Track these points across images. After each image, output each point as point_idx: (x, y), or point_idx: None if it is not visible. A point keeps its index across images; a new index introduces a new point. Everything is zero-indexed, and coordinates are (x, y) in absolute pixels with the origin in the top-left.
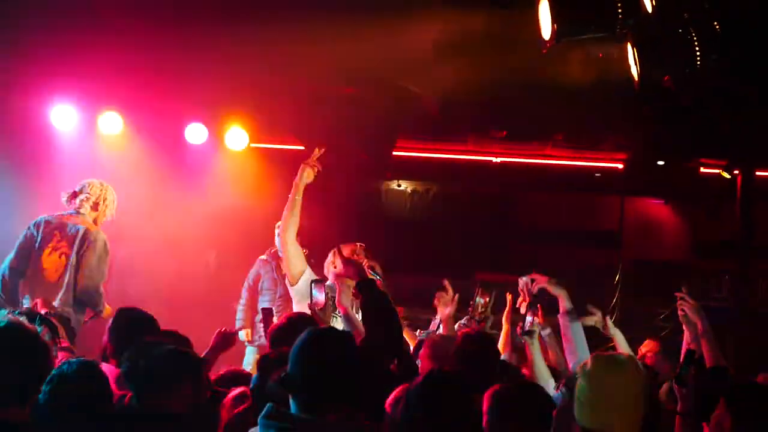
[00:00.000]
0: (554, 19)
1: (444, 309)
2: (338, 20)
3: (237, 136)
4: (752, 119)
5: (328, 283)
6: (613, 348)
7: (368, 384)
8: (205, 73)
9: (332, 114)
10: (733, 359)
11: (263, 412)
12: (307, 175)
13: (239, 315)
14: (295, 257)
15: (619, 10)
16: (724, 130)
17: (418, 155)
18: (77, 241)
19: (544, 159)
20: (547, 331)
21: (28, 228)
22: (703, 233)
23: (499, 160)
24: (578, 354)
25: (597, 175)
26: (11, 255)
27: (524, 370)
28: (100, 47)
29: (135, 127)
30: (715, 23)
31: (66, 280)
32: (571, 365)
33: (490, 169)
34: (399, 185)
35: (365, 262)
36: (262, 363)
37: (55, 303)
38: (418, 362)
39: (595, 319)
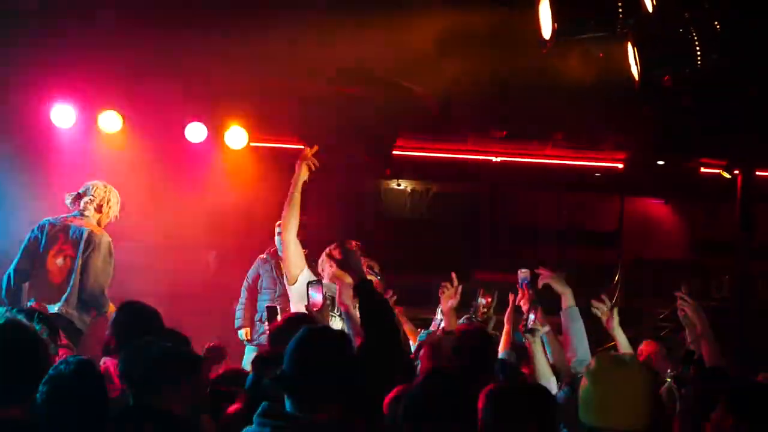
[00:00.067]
0: (554, 18)
1: (446, 301)
2: (338, 19)
3: (237, 135)
4: (752, 119)
5: (325, 281)
6: (614, 348)
7: (364, 384)
8: (204, 71)
9: (332, 113)
10: (733, 359)
11: (258, 411)
12: (303, 172)
13: (238, 314)
14: (295, 256)
15: (620, 10)
16: (724, 130)
17: (418, 154)
18: (82, 244)
19: (544, 158)
20: (546, 328)
21: (32, 230)
22: (702, 233)
23: (498, 159)
24: (578, 352)
25: (597, 174)
26: (17, 258)
27: (524, 369)
28: (99, 47)
29: (135, 126)
30: (716, 23)
31: (71, 282)
32: (570, 363)
33: (490, 169)
34: (399, 184)
35: (363, 261)
36: (256, 363)
37: (60, 304)
38: (418, 363)
39: (604, 309)
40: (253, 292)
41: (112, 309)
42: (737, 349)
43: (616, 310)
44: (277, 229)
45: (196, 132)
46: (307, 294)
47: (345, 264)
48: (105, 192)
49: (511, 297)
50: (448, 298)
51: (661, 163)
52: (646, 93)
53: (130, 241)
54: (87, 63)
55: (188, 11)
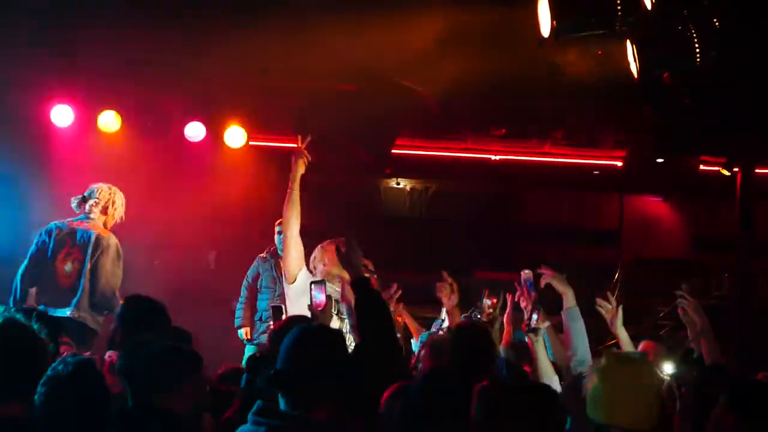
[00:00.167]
0: (554, 17)
1: (447, 300)
2: (338, 18)
3: (236, 134)
4: (752, 116)
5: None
6: (615, 345)
7: (359, 383)
8: (204, 71)
9: (332, 112)
10: (733, 357)
11: (253, 409)
12: (300, 168)
13: (238, 313)
14: (295, 255)
15: (619, 7)
16: (723, 127)
17: (418, 153)
18: (90, 247)
19: (544, 157)
20: (547, 323)
21: (40, 235)
22: (702, 231)
23: (498, 158)
24: (578, 352)
25: (596, 172)
26: (24, 263)
27: (525, 368)
28: (99, 46)
29: (134, 125)
30: (715, 20)
31: (81, 286)
32: (571, 363)
33: (490, 167)
34: (398, 183)
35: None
36: (250, 363)
37: (71, 309)
38: (420, 365)
39: (608, 307)
40: (253, 291)
41: None
42: (737, 348)
43: (621, 309)
44: (277, 228)
45: (195, 131)
46: (310, 293)
47: (345, 259)
48: (110, 194)
49: (509, 298)
50: (447, 295)
51: (660, 161)
52: (645, 91)
53: (129, 240)
54: (87, 63)
55: (188, 11)
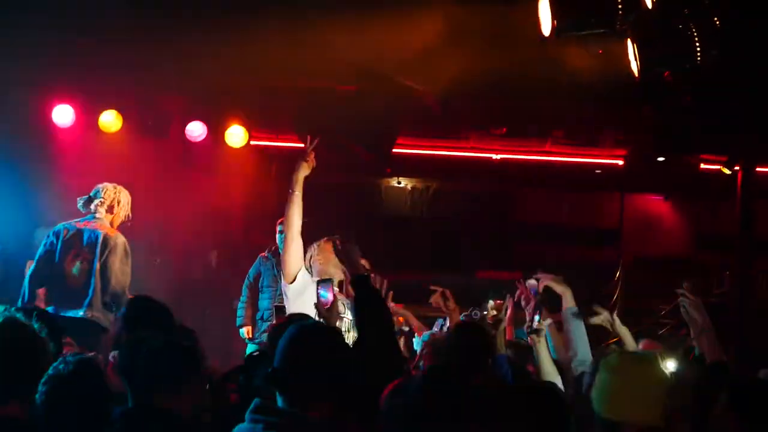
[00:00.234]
0: (554, 15)
1: (444, 305)
2: (338, 17)
3: (237, 134)
4: (752, 115)
5: (316, 278)
6: (617, 344)
7: (357, 382)
8: (204, 70)
9: (332, 111)
10: (734, 355)
11: (251, 407)
12: (303, 169)
13: (240, 313)
14: (295, 255)
15: (619, 6)
16: (723, 127)
17: (418, 152)
18: (98, 248)
19: (544, 156)
20: (548, 321)
21: (47, 236)
22: (703, 229)
23: (499, 157)
24: (579, 352)
25: (597, 171)
26: (33, 264)
27: (529, 368)
28: (99, 46)
29: (135, 125)
30: (715, 19)
31: (92, 286)
32: (572, 363)
33: (490, 166)
34: (399, 182)
35: None
36: (247, 361)
37: (83, 310)
38: (421, 363)
39: (602, 318)
40: (255, 290)
41: None
42: (737, 347)
43: (615, 314)
44: (278, 227)
45: (196, 131)
46: (317, 292)
47: (345, 257)
48: (115, 193)
49: (509, 300)
50: (442, 303)
51: (661, 160)
52: (646, 90)
53: (130, 239)
54: (87, 62)
55: (188, 10)
